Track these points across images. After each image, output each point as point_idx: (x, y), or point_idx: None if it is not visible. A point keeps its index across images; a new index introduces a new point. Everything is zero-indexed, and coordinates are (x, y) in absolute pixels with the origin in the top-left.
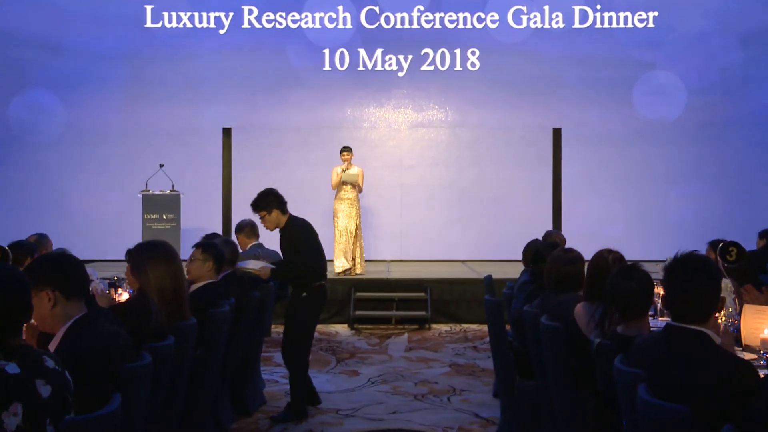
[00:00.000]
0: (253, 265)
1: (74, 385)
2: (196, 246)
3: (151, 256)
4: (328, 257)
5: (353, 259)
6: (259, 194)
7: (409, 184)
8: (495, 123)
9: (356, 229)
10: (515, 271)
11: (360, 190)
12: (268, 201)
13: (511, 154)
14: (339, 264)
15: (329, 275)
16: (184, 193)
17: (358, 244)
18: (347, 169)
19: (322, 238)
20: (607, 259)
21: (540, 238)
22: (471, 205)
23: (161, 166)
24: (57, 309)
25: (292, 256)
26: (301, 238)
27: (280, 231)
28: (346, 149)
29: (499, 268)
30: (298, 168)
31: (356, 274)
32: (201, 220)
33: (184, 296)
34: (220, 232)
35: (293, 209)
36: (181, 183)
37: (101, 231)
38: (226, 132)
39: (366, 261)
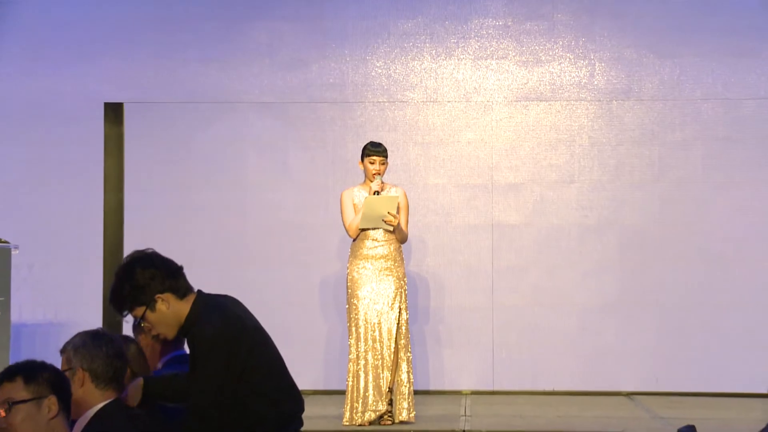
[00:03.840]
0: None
1: None
2: (64, 350)
3: None
4: (327, 386)
5: (388, 391)
6: (116, 276)
7: (508, 223)
8: (690, 90)
9: (399, 323)
10: (748, 420)
11: (403, 238)
12: (137, 284)
13: (730, 155)
14: (359, 407)
15: (334, 425)
16: (20, 245)
17: (401, 358)
18: (381, 190)
19: (324, 344)
20: None
21: None
22: (647, 269)
23: None
24: None
25: (195, 380)
26: (206, 345)
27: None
28: (374, 150)
29: (714, 411)
30: (263, 186)
31: (398, 421)
32: (60, 299)
33: None
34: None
35: (255, 277)
36: (14, 225)
37: None
38: (112, 111)
39: (416, 393)
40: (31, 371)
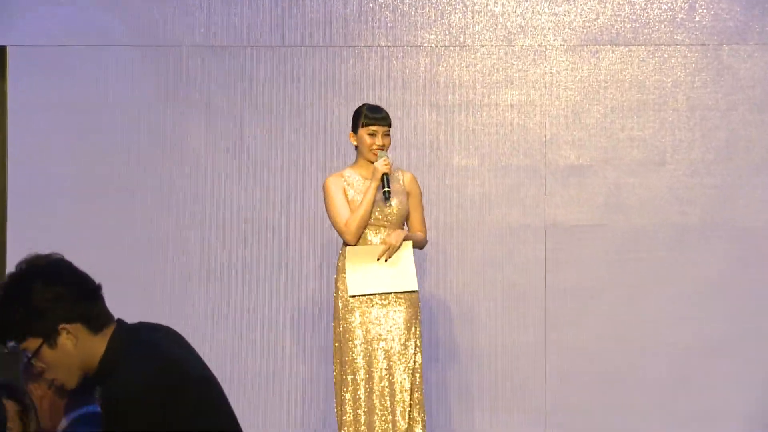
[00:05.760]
0: None
1: None
2: None
3: None
4: None
5: None
6: (3, 291)
7: (569, 223)
8: None
9: (414, 368)
10: None
11: (421, 243)
12: (33, 306)
13: None
14: None
15: None
16: None
17: (414, 419)
18: (390, 173)
19: (299, 396)
20: None
21: None
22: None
23: None
24: None
25: None
26: (128, 404)
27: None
28: (373, 117)
29: None
30: (210, 169)
31: None
32: None
33: None
34: None
35: (199, 300)
36: None
37: None
38: None
39: None
40: None
